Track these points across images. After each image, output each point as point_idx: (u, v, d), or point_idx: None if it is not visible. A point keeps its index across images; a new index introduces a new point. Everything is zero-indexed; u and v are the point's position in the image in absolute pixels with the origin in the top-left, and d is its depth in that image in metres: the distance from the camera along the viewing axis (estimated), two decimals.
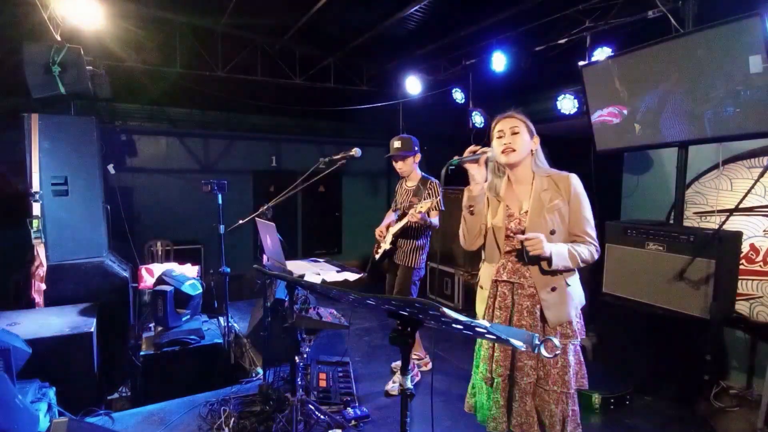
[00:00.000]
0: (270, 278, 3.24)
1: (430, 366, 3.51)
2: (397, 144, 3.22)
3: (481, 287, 1.97)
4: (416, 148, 3.21)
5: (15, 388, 2.42)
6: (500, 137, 1.85)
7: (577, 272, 1.86)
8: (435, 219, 3.06)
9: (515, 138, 1.82)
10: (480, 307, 1.96)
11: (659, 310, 2.97)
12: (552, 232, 1.78)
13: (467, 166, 1.81)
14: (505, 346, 1.83)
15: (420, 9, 4.13)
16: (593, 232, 1.80)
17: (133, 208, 5.88)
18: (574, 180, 1.81)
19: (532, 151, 1.86)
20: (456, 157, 1.79)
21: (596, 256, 1.80)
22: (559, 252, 1.73)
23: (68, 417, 2.48)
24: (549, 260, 1.72)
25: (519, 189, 1.89)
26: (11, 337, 2.51)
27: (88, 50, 3.84)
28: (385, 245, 3.23)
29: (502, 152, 1.83)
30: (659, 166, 3.86)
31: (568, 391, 1.76)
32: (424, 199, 3.07)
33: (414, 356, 3.54)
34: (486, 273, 1.94)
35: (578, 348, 1.84)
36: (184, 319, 3.60)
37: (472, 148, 1.82)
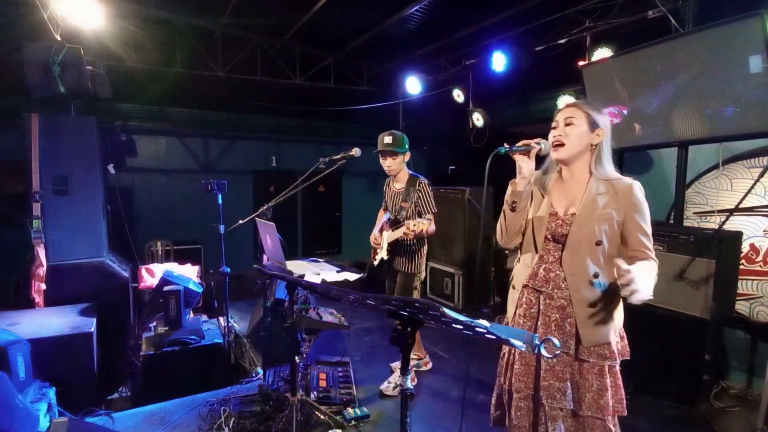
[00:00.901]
0: (270, 278, 3.24)
1: (430, 366, 3.50)
2: (388, 139, 2.99)
3: (513, 287, 1.79)
4: (407, 146, 3.05)
5: (32, 382, 2.47)
6: (554, 128, 1.64)
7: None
8: (431, 226, 2.94)
9: (567, 130, 1.60)
10: (511, 308, 1.79)
11: (659, 310, 2.97)
12: (598, 243, 1.57)
13: (516, 157, 1.63)
14: (527, 359, 1.68)
15: (420, 9, 4.13)
16: (653, 246, 1.58)
17: (133, 208, 5.88)
18: (637, 189, 1.58)
19: (593, 146, 1.62)
20: (505, 145, 1.61)
21: (656, 274, 1.56)
22: (646, 278, 1.42)
23: (68, 417, 2.48)
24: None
25: (570, 188, 1.66)
26: (11, 336, 2.52)
27: (88, 50, 3.84)
28: (382, 253, 3.09)
29: (552, 146, 1.63)
30: (659, 166, 3.86)
31: (603, 417, 1.56)
32: (415, 204, 2.98)
33: (414, 356, 3.53)
34: (520, 273, 1.76)
35: (616, 370, 1.63)
36: (187, 317, 3.61)
37: (524, 141, 1.64)
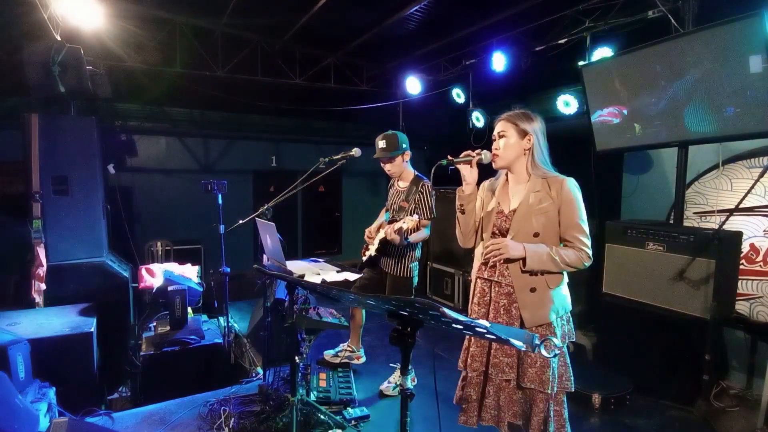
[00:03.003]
0: (270, 278, 3.24)
1: (363, 360, 3.50)
2: (381, 144, 2.94)
3: (469, 280, 2.03)
4: (404, 146, 2.96)
5: (32, 382, 2.47)
6: (494, 140, 1.89)
7: (564, 276, 1.85)
8: (423, 232, 2.91)
9: (501, 142, 1.85)
10: (471, 300, 2.01)
11: (659, 310, 2.97)
12: (535, 235, 1.79)
13: (459, 167, 1.87)
14: (481, 342, 1.88)
15: (420, 9, 4.13)
16: (585, 238, 1.77)
17: (133, 208, 5.88)
18: (568, 184, 1.78)
19: (526, 151, 1.84)
20: (448, 158, 1.87)
21: (586, 263, 1.77)
22: (535, 253, 1.73)
23: (68, 417, 2.47)
24: (524, 261, 1.74)
25: (514, 189, 1.90)
26: (10, 336, 2.52)
27: (88, 50, 3.84)
28: (372, 250, 3.02)
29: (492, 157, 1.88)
30: (659, 166, 3.86)
31: (544, 391, 1.75)
32: (413, 209, 2.91)
33: (347, 348, 3.51)
34: (474, 267, 1.99)
35: (563, 351, 1.82)
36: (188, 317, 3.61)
37: (466, 152, 1.89)
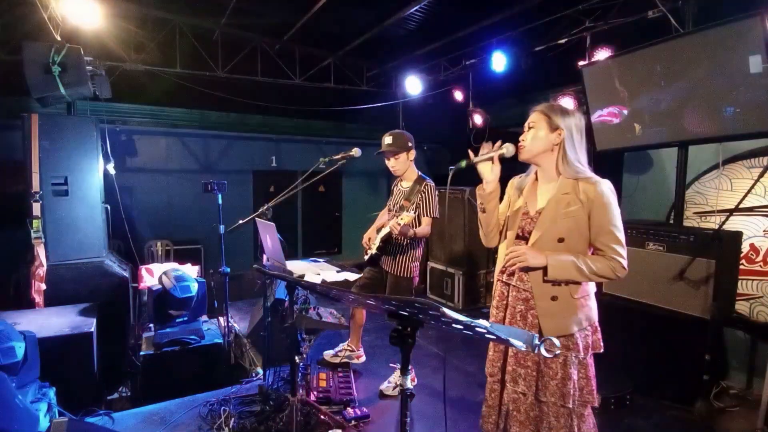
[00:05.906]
0: (270, 278, 3.23)
1: (363, 359, 3.50)
2: (388, 140, 2.97)
3: (491, 281, 1.97)
4: (410, 144, 2.97)
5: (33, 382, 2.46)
6: (524, 131, 1.77)
7: (591, 286, 1.73)
8: (425, 228, 2.93)
9: (528, 134, 1.73)
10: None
11: (659, 310, 2.97)
12: (560, 240, 1.65)
13: (479, 166, 1.76)
14: (499, 346, 1.81)
15: (420, 9, 4.13)
16: (618, 247, 1.61)
17: (133, 208, 5.87)
18: (602, 187, 1.62)
19: (554, 146, 1.71)
20: (470, 157, 1.73)
21: (620, 274, 1.62)
22: (558, 262, 1.61)
23: (68, 417, 2.48)
24: (545, 269, 1.62)
25: (542, 188, 1.77)
26: (13, 335, 2.51)
27: (88, 50, 3.84)
28: (372, 250, 3.03)
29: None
30: (659, 166, 3.86)
31: (566, 405, 1.64)
32: (416, 205, 2.91)
33: (347, 348, 3.51)
34: (497, 268, 1.88)
35: (587, 362, 1.70)
36: (180, 320, 3.60)
37: (485, 145, 1.76)
